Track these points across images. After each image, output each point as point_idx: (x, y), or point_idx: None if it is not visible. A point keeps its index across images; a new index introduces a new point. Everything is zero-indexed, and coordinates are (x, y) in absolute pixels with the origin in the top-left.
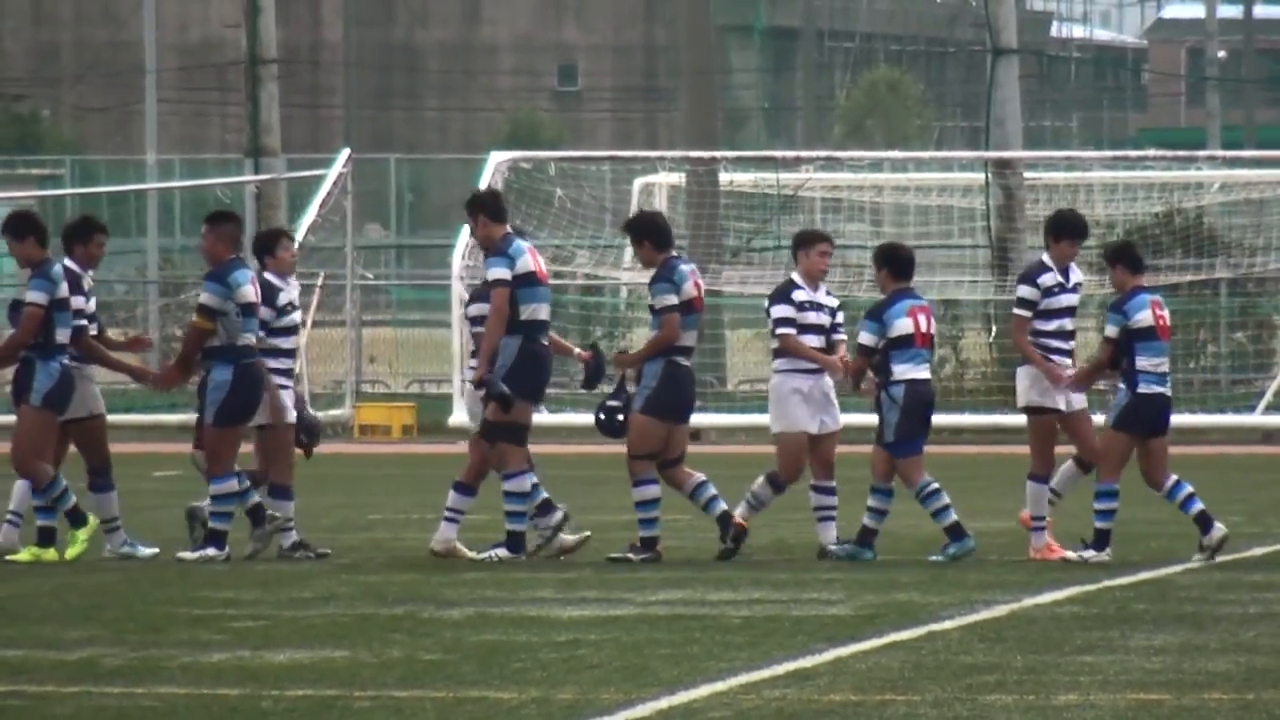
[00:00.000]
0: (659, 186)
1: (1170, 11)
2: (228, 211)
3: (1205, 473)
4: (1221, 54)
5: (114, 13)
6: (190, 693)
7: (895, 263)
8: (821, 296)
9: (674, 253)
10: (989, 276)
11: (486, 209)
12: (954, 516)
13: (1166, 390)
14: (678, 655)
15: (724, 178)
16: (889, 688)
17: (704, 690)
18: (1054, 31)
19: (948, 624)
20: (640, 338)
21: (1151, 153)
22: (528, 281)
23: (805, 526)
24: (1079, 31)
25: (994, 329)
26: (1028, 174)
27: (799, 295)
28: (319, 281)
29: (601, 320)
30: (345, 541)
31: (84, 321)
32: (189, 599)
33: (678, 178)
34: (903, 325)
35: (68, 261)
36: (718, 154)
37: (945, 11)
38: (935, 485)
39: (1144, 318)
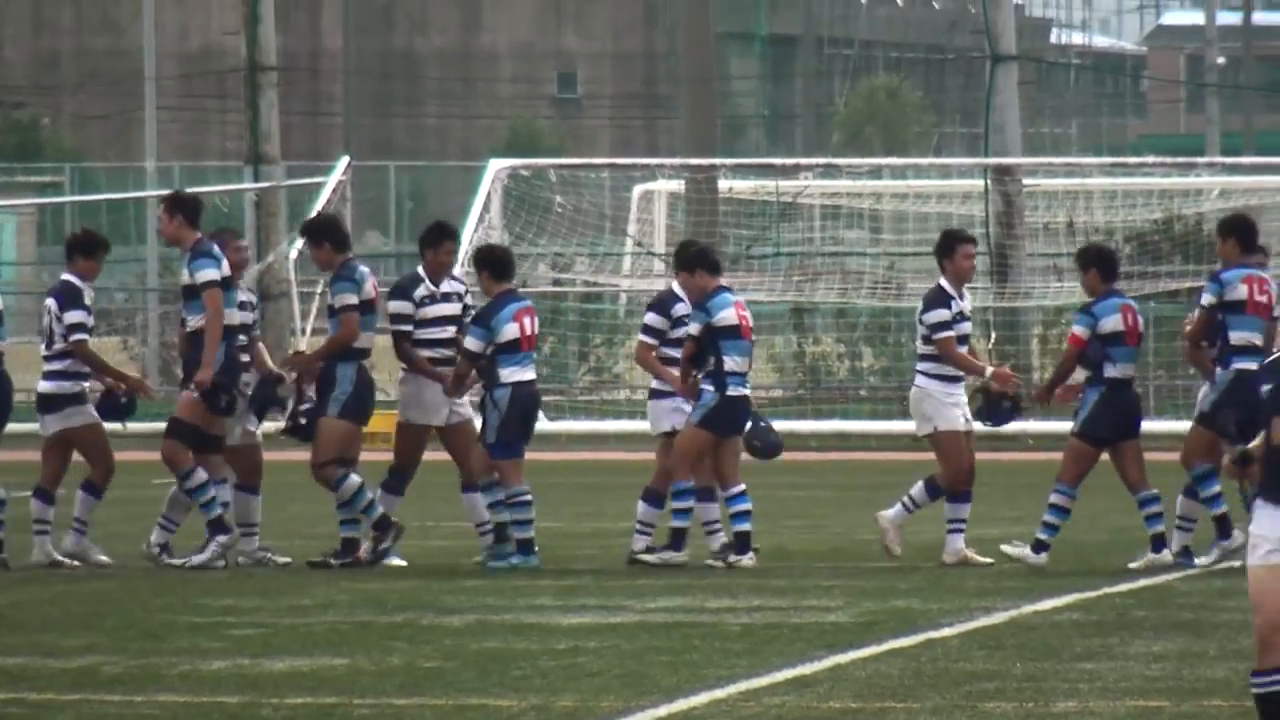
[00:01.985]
0: (658, 194)
1: (1169, 18)
2: None
3: None
4: (1220, 60)
5: (114, 20)
6: (190, 700)
7: (494, 265)
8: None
9: (351, 255)
10: (988, 283)
11: (185, 208)
12: (532, 532)
13: (748, 392)
14: (677, 663)
15: (723, 185)
16: (888, 695)
17: (703, 697)
18: (1053, 38)
19: (947, 631)
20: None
21: (1151, 159)
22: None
23: (803, 533)
24: (1078, 38)
25: (993, 335)
26: (1027, 181)
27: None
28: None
29: (600, 327)
30: None
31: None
32: (188, 606)
33: (677, 185)
34: (510, 330)
35: (420, 270)
36: (717, 161)
37: (944, 18)
38: (528, 496)
39: (728, 315)
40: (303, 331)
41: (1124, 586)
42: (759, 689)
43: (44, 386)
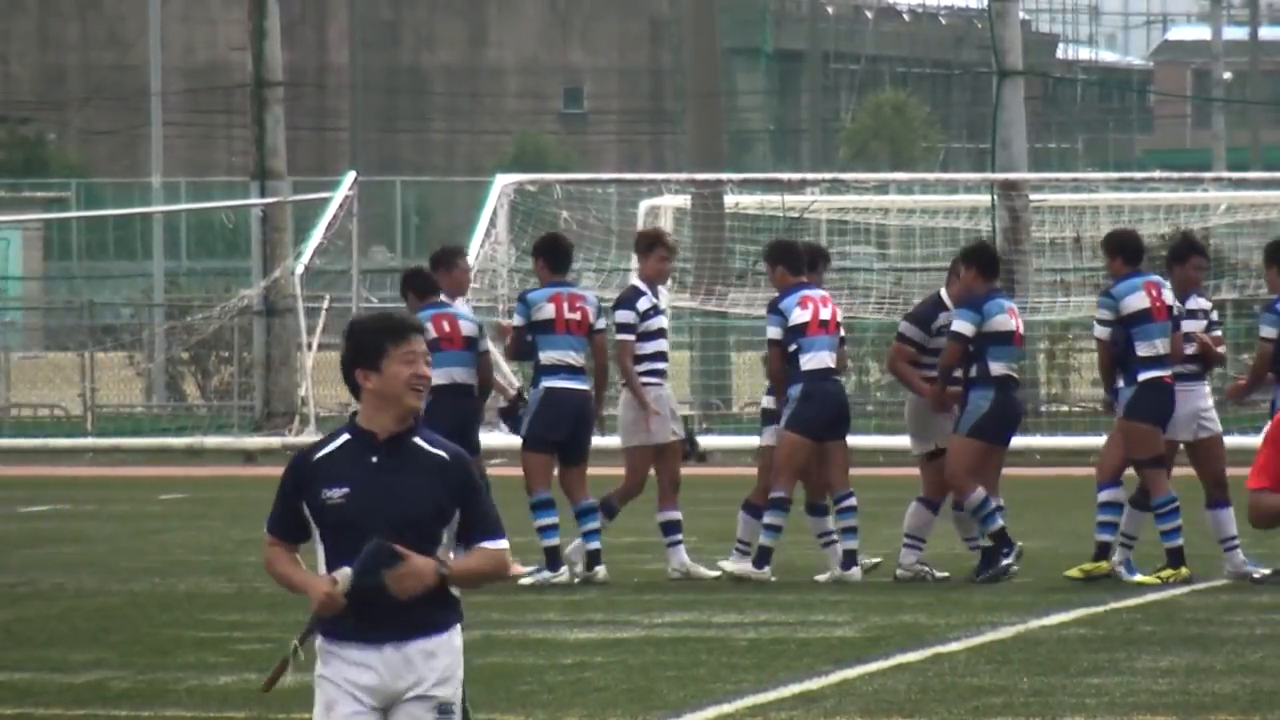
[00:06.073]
0: (664, 209)
1: (1176, 33)
2: None
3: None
4: (1227, 75)
5: (120, 36)
6: (197, 715)
7: None
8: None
9: None
10: None
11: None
12: None
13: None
14: (684, 678)
15: (729, 200)
16: (895, 710)
17: (710, 712)
18: (1060, 53)
19: (954, 646)
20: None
21: (1157, 174)
22: None
23: (810, 548)
24: (1085, 53)
25: None
26: (1033, 196)
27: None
28: (325, 305)
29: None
30: None
31: None
32: (195, 622)
33: (683, 200)
34: None
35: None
36: (723, 176)
37: (951, 34)
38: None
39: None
40: (309, 346)
41: (1130, 601)
42: (766, 704)
43: None
